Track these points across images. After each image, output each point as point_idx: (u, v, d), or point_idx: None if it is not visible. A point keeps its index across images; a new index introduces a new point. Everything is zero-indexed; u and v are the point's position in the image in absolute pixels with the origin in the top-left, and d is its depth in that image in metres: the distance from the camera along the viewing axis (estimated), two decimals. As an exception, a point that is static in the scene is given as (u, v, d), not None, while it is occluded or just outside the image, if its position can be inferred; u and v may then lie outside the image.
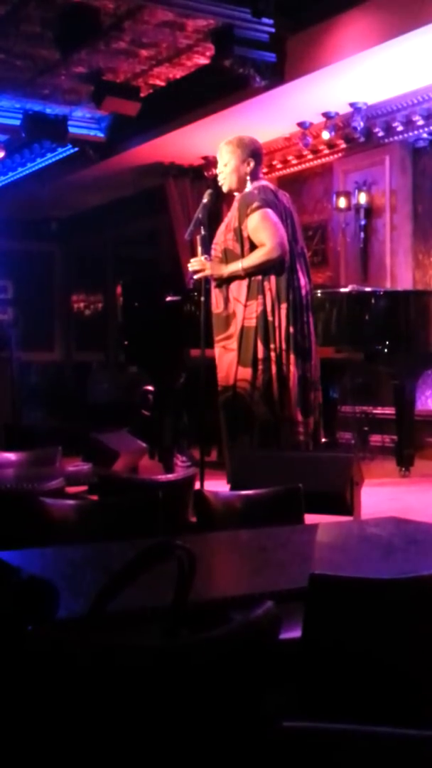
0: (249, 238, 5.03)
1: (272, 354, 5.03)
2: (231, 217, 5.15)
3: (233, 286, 5.10)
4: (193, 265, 5.19)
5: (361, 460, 5.17)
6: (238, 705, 1.50)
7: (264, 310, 5.02)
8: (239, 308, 5.08)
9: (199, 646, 1.47)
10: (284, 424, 5.08)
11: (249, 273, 5.02)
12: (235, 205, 5.14)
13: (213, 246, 5.18)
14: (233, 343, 5.07)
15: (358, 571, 2.23)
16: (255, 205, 5.04)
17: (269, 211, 5.06)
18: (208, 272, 5.12)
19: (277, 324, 5.05)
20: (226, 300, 5.13)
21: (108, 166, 10.64)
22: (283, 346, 5.06)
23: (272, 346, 5.03)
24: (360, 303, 7.13)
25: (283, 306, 5.06)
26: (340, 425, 8.25)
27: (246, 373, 5.02)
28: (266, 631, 1.54)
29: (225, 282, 5.12)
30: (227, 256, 5.09)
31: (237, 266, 5.03)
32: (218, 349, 5.15)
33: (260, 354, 5.01)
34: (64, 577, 2.19)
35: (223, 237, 5.14)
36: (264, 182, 5.32)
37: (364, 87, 8.14)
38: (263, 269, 5.03)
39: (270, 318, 5.02)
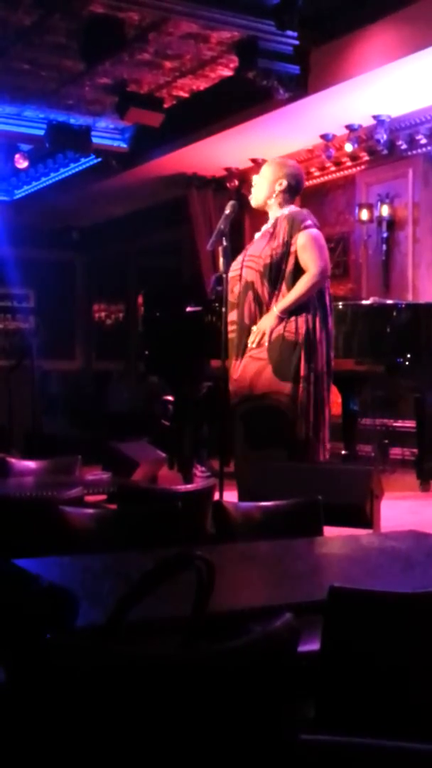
0: (295, 253, 4.93)
1: (312, 374, 4.95)
2: (278, 231, 5.01)
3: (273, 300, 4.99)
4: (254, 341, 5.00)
5: (380, 473, 5.14)
6: (256, 717, 1.49)
7: (309, 329, 4.93)
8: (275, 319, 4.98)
9: (217, 657, 1.47)
10: (316, 444, 5.01)
11: (290, 310, 4.92)
12: (283, 221, 5.01)
13: (249, 257, 5.06)
14: (263, 353, 4.96)
15: (377, 585, 2.22)
16: (308, 222, 4.99)
17: (320, 234, 5.03)
18: (266, 331, 4.95)
19: (318, 344, 4.97)
20: (258, 311, 5.02)
21: (131, 176, 10.69)
22: (324, 368, 4.99)
23: (312, 365, 4.95)
24: (381, 315, 7.11)
25: (323, 331, 5.00)
26: (360, 438, 8.21)
27: (285, 387, 4.91)
28: (285, 643, 1.54)
29: (255, 294, 5.01)
30: (271, 270, 4.98)
31: (271, 316, 4.92)
32: (245, 359, 5.02)
33: (302, 371, 4.93)
34: (83, 586, 2.19)
35: (269, 250, 4.99)
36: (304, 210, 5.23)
37: (388, 100, 8.14)
38: (307, 297, 4.92)
39: (312, 337, 4.95)
